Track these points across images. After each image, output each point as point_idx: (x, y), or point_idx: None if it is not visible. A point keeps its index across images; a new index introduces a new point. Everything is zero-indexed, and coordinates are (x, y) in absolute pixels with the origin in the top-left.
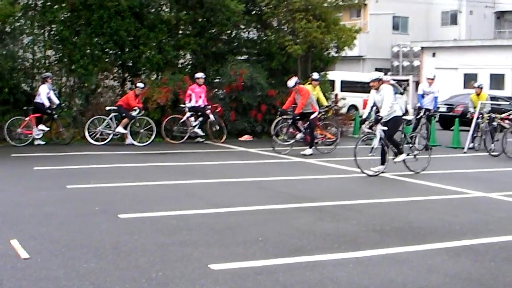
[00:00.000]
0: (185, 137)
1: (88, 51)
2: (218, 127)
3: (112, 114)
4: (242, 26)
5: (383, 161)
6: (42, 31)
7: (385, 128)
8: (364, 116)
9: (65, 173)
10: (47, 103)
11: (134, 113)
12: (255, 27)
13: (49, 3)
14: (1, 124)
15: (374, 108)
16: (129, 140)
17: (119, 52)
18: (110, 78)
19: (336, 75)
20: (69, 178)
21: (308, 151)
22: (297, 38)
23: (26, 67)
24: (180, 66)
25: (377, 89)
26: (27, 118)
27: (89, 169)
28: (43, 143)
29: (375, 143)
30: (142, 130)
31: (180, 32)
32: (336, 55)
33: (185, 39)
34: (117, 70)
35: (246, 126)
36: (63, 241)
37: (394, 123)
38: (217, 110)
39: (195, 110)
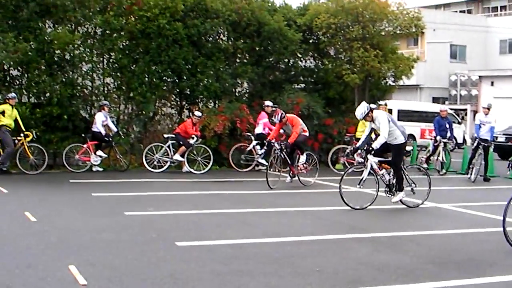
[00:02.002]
0: (252, 166)
1: (146, 79)
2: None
3: (170, 142)
4: (299, 55)
5: (399, 188)
6: (101, 59)
7: (378, 159)
8: (358, 145)
9: (123, 200)
10: (103, 131)
11: (191, 141)
12: (312, 56)
13: (108, 32)
14: (60, 151)
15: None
16: (186, 167)
17: (177, 80)
18: (168, 105)
19: (394, 104)
20: (127, 205)
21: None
22: (354, 67)
23: (85, 94)
24: (237, 94)
25: (372, 120)
26: (85, 145)
27: (147, 196)
28: (101, 169)
29: (365, 175)
30: (199, 158)
31: (238, 60)
32: (394, 84)
33: (242, 67)
34: (175, 98)
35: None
36: (121, 268)
37: (397, 151)
38: (282, 139)
39: (261, 138)
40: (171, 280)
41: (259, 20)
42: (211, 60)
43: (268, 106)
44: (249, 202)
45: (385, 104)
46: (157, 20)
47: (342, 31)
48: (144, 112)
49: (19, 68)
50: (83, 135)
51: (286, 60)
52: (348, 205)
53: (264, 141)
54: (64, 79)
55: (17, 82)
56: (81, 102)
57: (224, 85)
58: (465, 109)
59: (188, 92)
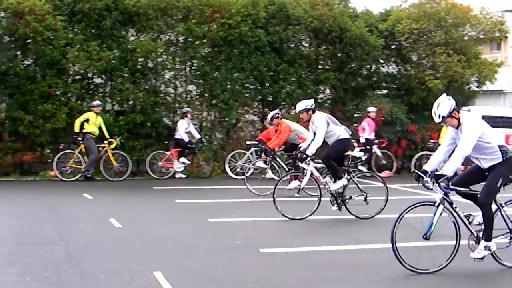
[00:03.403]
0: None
1: (229, 86)
2: (384, 162)
3: (253, 149)
4: (382, 61)
5: (338, 177)
6: (184, 66)
7: (318, 165)
8: (304, 150)
9: (206, 207)
10: (186, 138)
11: None
12: (395, 61)
13: (190, 39)
14: (143, 158)
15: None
16: (269, 174)
17: (259, 87)
18: (250, 112)
19: (477, 110)
20: (210, 212)
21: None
22: (437, 73)
23: (168, 101)
24: (319, 101)
25: (309, 120)
26: (168, 152)
27: (230, 203)
28: (184, 176)
29: (304, 183)
30: (282, 165)
31: (320, 67)
32: (477, 89)
33: (324, 74)
34: (257, 105)
35: (387, 162)
36: (206, 274)
37: (336, 144)
38: (383, 145)
39: (366, 144)
40: (256, 286)
41: (341, 26)
42: (293, 66)
43: (371, 111)
44: (330, 209)
45: (469, 110)
46: (239, 27)
47: (425, 36)
48: (226, 119)
49: (102, 76)
50: (166, 142)
51: (368, 66)
52: (284, 215)
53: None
54: (147, 87)
55: (101, 90)
56: (164, 109)
57: (306, 92)
58: None
59: (271, 99)
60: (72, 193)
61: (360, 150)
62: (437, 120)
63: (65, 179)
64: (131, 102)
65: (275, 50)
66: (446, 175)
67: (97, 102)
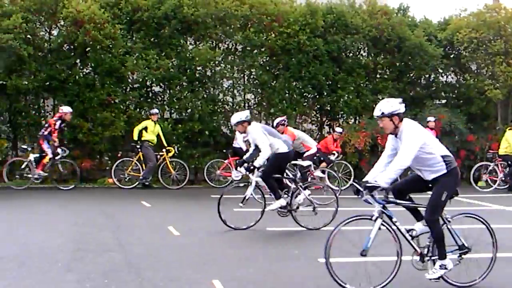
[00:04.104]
0: None
1: (287, 95)
2: None
3: None
4: (440, 70)
5: (276, 196)
6: (242, 75)
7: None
8: (246, 158)
9: (264, 215)
10: (244, 147)
11: (332, 157)
12: (454, 71)
13: (248, 48)
14: (201, 166)
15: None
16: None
17: (317, 96)
18: (308, 121)
19: None
20: (268, 220)
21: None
22: (497, 82)
23: (226, 110)
24: None
25: (244, 132)
26: (226, 161)
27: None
28: (242, 185)
29: (248, 192)
30: (340, 174)
31: (378, 76)
32: None
33: (383, 83)
34: (315, 114)
35: None
36: (264, 284)
37: (273, 159)
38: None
39: None
40: None
41: (399, 35)
42: (351, 76)
43: (430, 121)
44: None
45: None
46: (297, 36)
47: (484, 46)
48: None
49: (161, 84)
50: (224, 150)
51: (427, 75)
52: (228, 225)
53: None
54: (205, 95)
55: (159, 98)
56: (222, 118)
57: (364, 101)
58: None
59: (329, 108)
60: (130, 201)
61: None
62: (375, 113)
63: (123, 187)
64: (189, 110)
65: (334, 59)
66: (379, 187)
67: (155, 110)
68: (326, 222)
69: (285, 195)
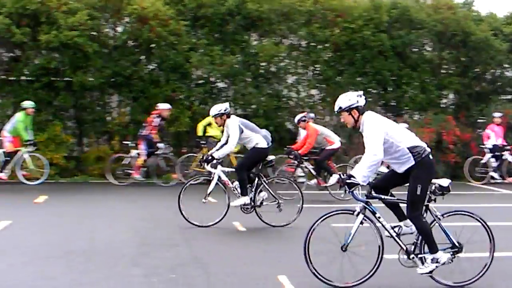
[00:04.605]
0: (485, 179)
1: (352, 90)
2: None
3: None
4: (506, 65)
5: (242, 192)
6: (306, 71)
7: (227, 169)
8: (212, 153)
9: (326, 211)
10: None
11: None
12: None
13: (313, 44)
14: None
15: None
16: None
17: (382, 92)
18: None
19: None
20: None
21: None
22: None
23: (290, 106)
24: (443, 106)
25: (222, 125)
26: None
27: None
28: (305, 181)
29: (211, 187)
30: None
31: (443, 71)
32: None
33: (448, 78)
34: (380, 109)
35: None
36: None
37: (251, 153)
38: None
39: (494, 150)
40: None
41: (464, 30)
42: (416, 71)
43: (496, 117)
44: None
45: None
46: (362, 31)
47: None
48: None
49: (225, 80)
50: (288, 146)
51: (492, 70)
52: (190, 222)
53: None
54: (269, 91)
55: (224, 94)
56: (286, 113)
57: (430, 97)
58: None
59: (393, 104)
60: (196, 196)
61: (492, 157)
62: (335, 108)
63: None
64: (253, 106)
65: (398, 54)
66: (358, 184)
67: None
68: (290, 219)
69: (250, 190)
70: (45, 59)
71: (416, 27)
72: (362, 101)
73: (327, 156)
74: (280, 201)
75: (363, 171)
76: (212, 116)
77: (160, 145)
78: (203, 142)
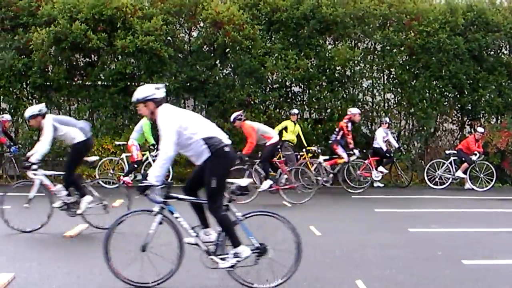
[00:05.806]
0: None
1: (427, 94)
2: None
3: (452, 158)
4: None
5: (81, 194)
6: (381, 74)
7: (51, 172)
8: (36, 158)
9: (405, 216)
10: (384, 147)
11: (474, 158)
12: None
13: (388, 47)
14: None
15: None
16: (469, 184)
17: (458, 96)
18: (449, 121)
19: None
20: (410, 221)
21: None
22: None
23: (366, 110)
24: None
25: (38, 127)
26: (366, 161)
27: (429, 213)
28: (382, 185)
29: (33, 192)
30: (482, 175)
31: None
32: None
33: None
34: (456, 113)
35: None
36: (406, 285)
37: (72, 153)
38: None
39: None
40: None
41: None
42: (492, 74)
43: None
44: None
45: None
46: (437, 34)
47: None
48: (425, 128)
49: (300, 84)
50: (364, 151)
51: None
52: (12, 227)
53: None
54: (345, 95)
55: (299, 98)
56: (362, 118)
57: (507, 100)
58: None
59: (470, 108)
60: (270, 200)
61: None
62: (132, 99)
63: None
64: (328, 110)
65: (474, 57)
66: (151, 185)
67: (295, 111)
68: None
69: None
70: (121, 64)
71: (492, 30)
72: (160, 94)
73: (270, 153)
74: (104, 203)
75: (155, 171)
76: (27, 119)
77: (355, 151)
78: (279, 146)
